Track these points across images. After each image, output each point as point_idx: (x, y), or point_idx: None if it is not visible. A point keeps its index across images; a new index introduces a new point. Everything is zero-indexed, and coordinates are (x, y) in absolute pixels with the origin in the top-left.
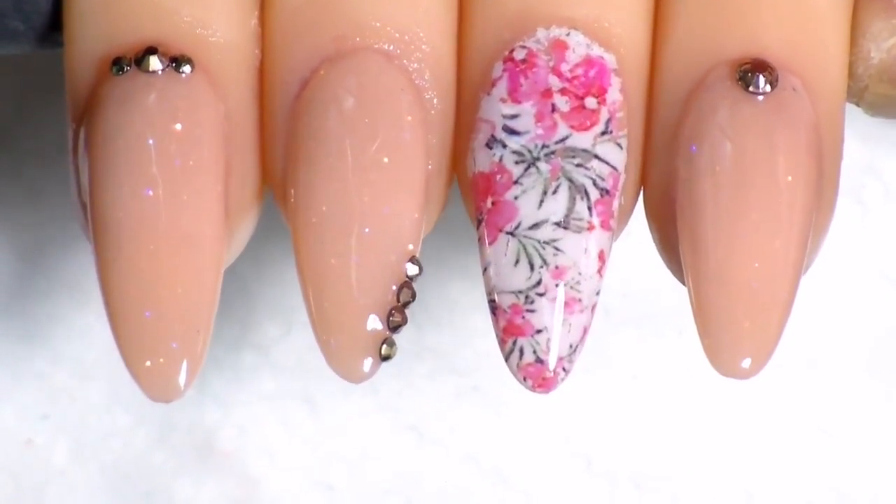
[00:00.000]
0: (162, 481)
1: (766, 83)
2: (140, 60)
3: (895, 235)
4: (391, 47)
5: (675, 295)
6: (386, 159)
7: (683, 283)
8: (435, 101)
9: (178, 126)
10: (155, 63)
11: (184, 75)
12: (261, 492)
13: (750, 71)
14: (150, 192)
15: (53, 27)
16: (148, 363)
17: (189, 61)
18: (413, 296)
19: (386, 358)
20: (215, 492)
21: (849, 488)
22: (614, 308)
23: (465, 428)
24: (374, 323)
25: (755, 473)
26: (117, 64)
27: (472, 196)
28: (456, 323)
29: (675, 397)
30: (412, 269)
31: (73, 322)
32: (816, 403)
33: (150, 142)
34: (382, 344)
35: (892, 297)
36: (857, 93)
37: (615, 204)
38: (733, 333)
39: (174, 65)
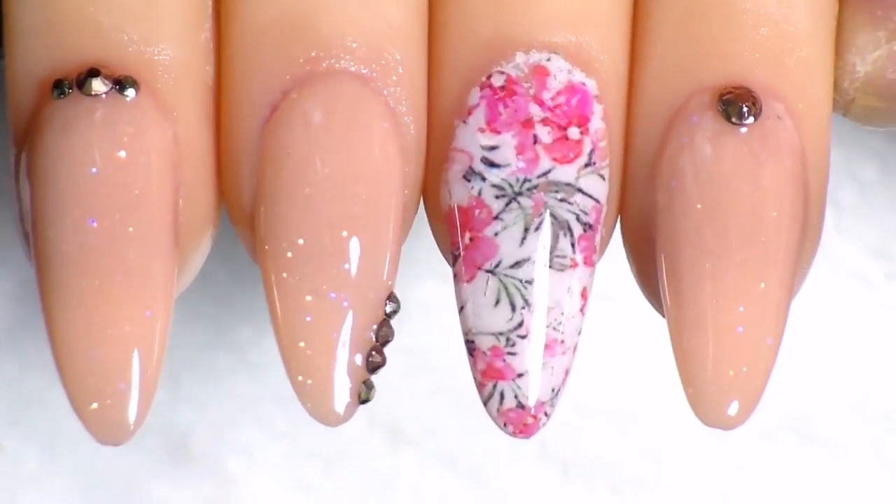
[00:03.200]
0: (137, 483)
1: (749, 114)
2: (82, 83)
3: (870, 236)
4: (366, 70)
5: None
6: (363, 191)
7: (663, 315)
8: (411, 127)
9: (123, 153)
10: (98, 86)
11: (128, 98)
12: (237, 492)
13: (732, 101)
14: (95, 224)
15: None
16: (94, 405)
17: (134, 83)
18: (392, 334)
19: (364, 401)
20: (191, 493)
21: (826, 492)
22: (590, 312)
23: (442, 427)
24: (353, 364)
25: (732, 478)
26: (58, 87)
27: (446, 229)
28: (431, 321)
29: (652, 402)
30: (390, 307)
31: (42, 328)
32: (793, 407)
33: (94, 170)
34: (361, 385)
35: (868, 297)
36: (844, 106)
37: (598, 238)
38: (717, 384)
39: (118, 87)
